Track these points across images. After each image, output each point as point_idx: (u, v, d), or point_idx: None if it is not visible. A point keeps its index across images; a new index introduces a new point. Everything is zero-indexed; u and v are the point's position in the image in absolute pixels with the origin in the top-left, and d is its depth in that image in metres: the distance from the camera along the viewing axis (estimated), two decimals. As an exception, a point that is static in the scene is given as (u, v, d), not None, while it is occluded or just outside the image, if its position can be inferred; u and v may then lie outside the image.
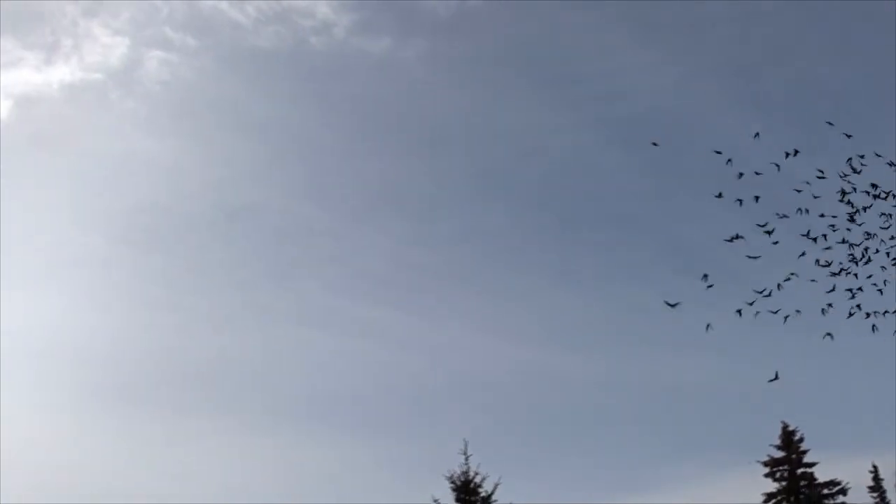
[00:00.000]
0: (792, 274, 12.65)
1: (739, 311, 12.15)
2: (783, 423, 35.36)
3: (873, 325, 11.86)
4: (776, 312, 12.83)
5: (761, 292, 12.02)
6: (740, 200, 12.18)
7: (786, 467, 35.09)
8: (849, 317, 11.75)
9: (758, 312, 12.78)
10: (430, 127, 64.89)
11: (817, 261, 12.15)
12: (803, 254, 11.96)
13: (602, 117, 63.72)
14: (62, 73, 55.77)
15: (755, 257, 12.38)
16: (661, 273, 62.88)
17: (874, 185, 11.62)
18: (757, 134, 12.27)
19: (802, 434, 35.18)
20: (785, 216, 12.10)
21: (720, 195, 12.33)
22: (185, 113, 62.41)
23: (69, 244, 58.93)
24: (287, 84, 62.16)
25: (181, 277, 61.42)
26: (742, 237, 12.17)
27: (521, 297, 63.00)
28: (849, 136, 12.26)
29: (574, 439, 53.34)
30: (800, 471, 34.96)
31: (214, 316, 60.09)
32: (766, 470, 35.22)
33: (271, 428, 56.71)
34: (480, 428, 50.16)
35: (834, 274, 11.89)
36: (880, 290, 11.76)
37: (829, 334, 12.46)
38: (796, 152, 11.87)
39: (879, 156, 12.06)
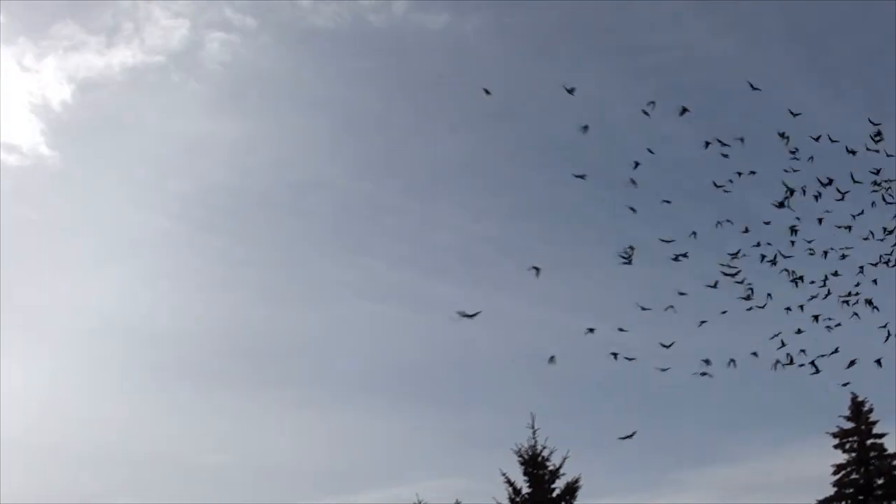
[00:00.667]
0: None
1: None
2: (852, 393, 35.08)
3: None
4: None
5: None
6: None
7: (855, 438, 34.86)
8: None
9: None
10: (493, 100, 64.31)
11: None
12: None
13: (667, 87, 62.77)
14: (124, 56, 56.86)
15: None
16: (725, 243, 61.77)
17: None
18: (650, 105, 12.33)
19: (872, 405, 34.90)
20: None
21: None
22: (247, 93, 63.17)
23: (135, 225, 60.37)
24: (348, 62, 62.43)
25: (246, 255, 62.57)
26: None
27: (589, 270, 62.70)
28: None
29: (640, 412, 53.28)
30: (869, 441, 34.70)
31: (280, 292, 61.15)
32: (836, 441, 35.03)
33: (337, 402, 57.81)
34: (547, 402, 50.42)
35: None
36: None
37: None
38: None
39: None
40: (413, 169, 67.32)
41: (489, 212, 64.65)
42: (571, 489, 25.05)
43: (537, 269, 12.84)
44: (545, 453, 25.28)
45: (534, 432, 25.39)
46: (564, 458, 25.26)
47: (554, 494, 24.97)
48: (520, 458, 25.27)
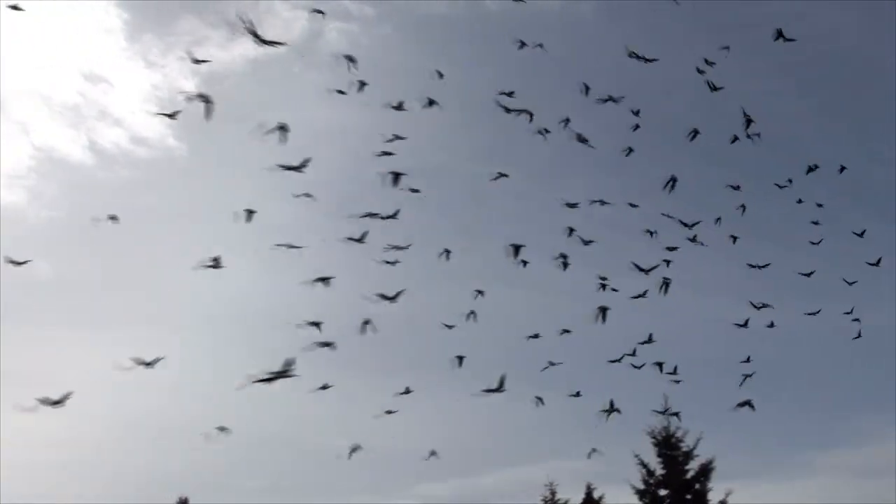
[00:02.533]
0: None
1: None
2: None
3: None
4: None
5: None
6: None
7: None
8: None
9: None
10: (612, 81, 63.83)
11: None
12: None
13: (789, 61, 60.92)
14: (245, 48, 58.40)
15: None
16: (856, 218, 59.86)
17: None
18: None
19: None
20: None
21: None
22: (369, 82, 64.00)
23: (261, 213, 61.98)
24: (466, 48, 62.71)
25: (366, 242, 63.43)
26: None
27: (715, 249, 61.38)
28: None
29: (775, 390, 52.05)
30: None
31: (407, 279, 61.81)
32: None
33: (464, 387, 58.19)
34: (674, 383, 49.73)
35: None
36: None
37: None
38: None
39: None
40: (533, 152, 67.17)
41: (611, 192, 63.82)
42: (706, 470, 24.81)
43: (516, 248, 12.77)
44: (678, 434, 25.12)
45: (667, 412, 25.22)
46: (698, 440, 25.06)
47: (688, 476, 24.78)
48: (653, 440, 25.16)
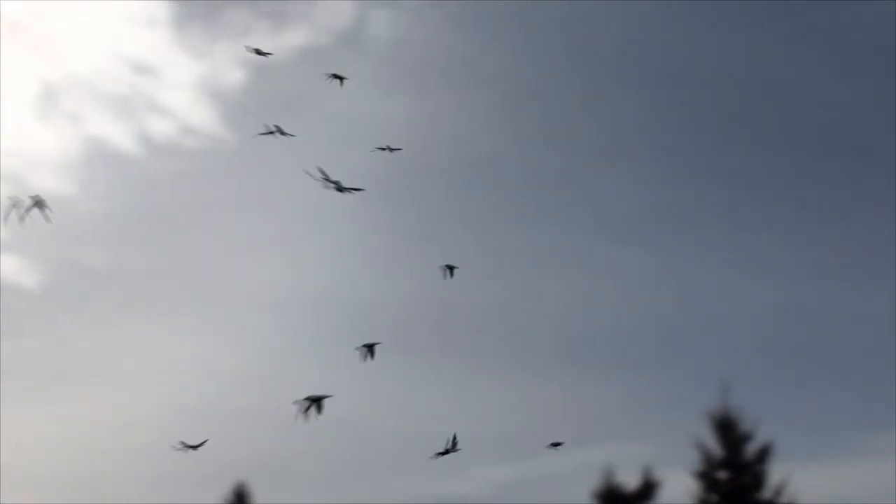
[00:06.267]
0: None
1: None
2: None
3: None
4: None
5: None
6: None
7: None
8: None
9: None
10: (661, 68, 63.60)
11: None
12: None
13: (835, 48, 60.02)
14: (292, 38, 58.78)
15: None
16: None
17: None
18: None
19: None
20: None
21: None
22: (417, 70, 64.24)
23: (312, 202, 62.25)
24: (514, 35, 62.54)
25: (425, 229, 63.94)
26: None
27: (767, 232, 60.92)
28: None
29: (831, 374, 51.40)
30: None
31: (461, 263, 62.16)
32: None
33: (520, 370, 58.43)
34: (735, 365, 49.40)
35: None
36: None
37: None
38: None
39: None
40: (584, 139, 66.91)
41: (664, 178, 63.79)
42: (765, 452, 24.71)
43: (450, 268, 12.54)
44: (737, 416, 25.01)
45: (724, 396, 25.15)
46: (757, 422, 24.93)
47: (747, 458, 24.69)
48: (711, 422, 25.09)
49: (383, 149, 13.21)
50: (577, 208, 66.26)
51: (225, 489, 34.08)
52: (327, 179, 12.27)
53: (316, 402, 12.67)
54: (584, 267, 63.28)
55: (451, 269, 12.93)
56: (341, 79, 12.93)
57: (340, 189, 12.68)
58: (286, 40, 60.50)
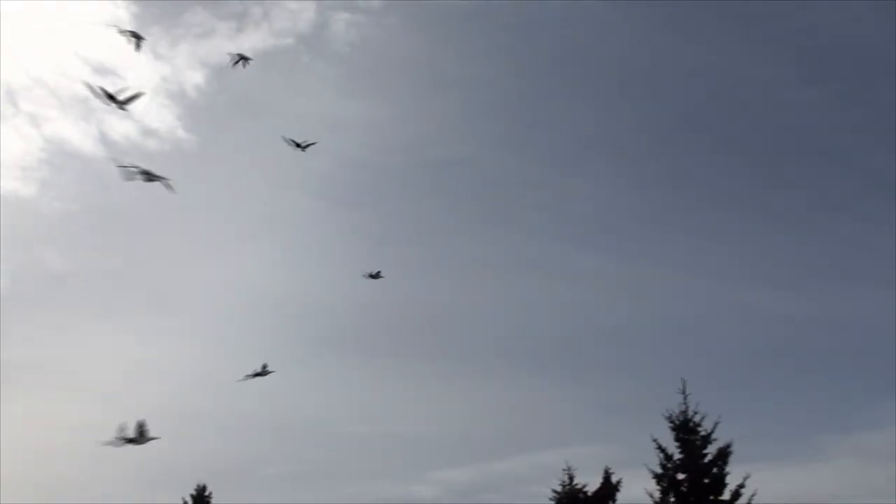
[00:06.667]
0: None
1: None
2: None
3: None
4: None
5: None
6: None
7: None
8: None
9: None
10: (622, 72, 64.30)
11: None
12: None
13: (796, 51, 60.99)
14: (254, 40, 58.84)
15: None
16: (865, 207, 60.32)
17: None
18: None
19: None
20: None
21: None
22: (377, 73, 64.55)
23: (272, 203, 62.62)
24: (476, 39, 62.98)
25: (385, 231, 64.24)
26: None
27: (728, 236, 61.85)
28: None
29: (787, 377, 52.26)
30: None
31: (421, 267, 62.55)
32: None
33: (479, 373, 58.72)
34: (693, 368, 49.94)
35: None
36: None
37: None
38: None
39: None
40: (547, 142, 67.39)
41: (627, 182, 64.35)
42: (724, 454, 24.87)
43: (374, 275, 12.70)
44: (696, 419, 25.16)
45: (685, 398, 25.31)
46: (716, 424, 25.09)
47: (706, 460, 24.84)
48: (671, 424, 25.21)
49: (373, 275, 13.16)
50: (538, 212, 66.50)
51: (185, 491, 33.92)
52: (293, 142, 12.76)
53: (259, 375, 12.80)
54: (546, 270, 63.58)
55: (374, 275, 12.91)
56: (245, 59, 12.79)
57: (299, 146, 13.03)
58: (247, 42, 60.06)
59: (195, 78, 61.19)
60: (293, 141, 13.20)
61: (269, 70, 60.28)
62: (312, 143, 13.47)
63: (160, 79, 61.56)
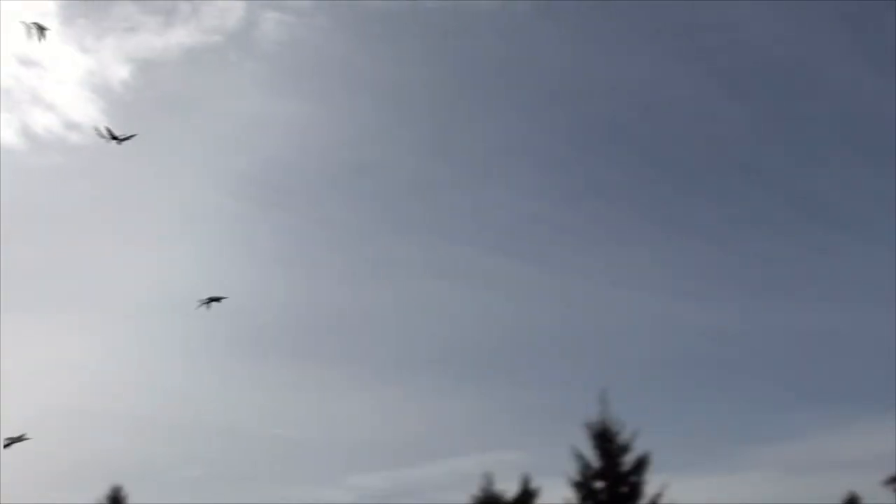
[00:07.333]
0: None
1: None
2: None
3: None
4: None
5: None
6: None
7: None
8: None
9: None
10: (547, 81, 64.64)
11: None
12: None
13: (720, 67, 62.20)
14: (181, 36, 57.53)
15: None
16: (786, 221, 61.70)
17: None
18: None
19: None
20: None
21: None
22: (305, 73, 63.78)
23: (196, 202, 61.33)
24: (405, 42, 62.67)
25: (305, 233, 63.48)
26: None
27: (650, 247, 62.55)
28: None
29: (706, 388, 52.98)
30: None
31: (340, 269, 61.87)
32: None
33: (398, 378, 58.21)
34: (614, 378, 50.15)
35: None
36: None
37: None
38: None
39: None
40: (467, 149, 67.39)
41: (546, 191, 64.76)
42: (642, 463, 24.93)
43: (210, 301, 12.43)
44: (615, 428, 25.15)
45: (603, 407, 25.28)
46: (635, 433, 25.14)
47: (624, 469, 24.86)
48: (590, 433, 25.16)
49: (211, 301, 12.53)
50: (459, 217, 66.44)
51: (100, 492, 32.78)
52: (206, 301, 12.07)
53: (214, 300, 12.28)
54: (466, 277, 63.46)
55: (211, 301, 12.37)
56: (42, 29, 11.85)
57: (116, 138, 12.35)
58: (175, 38, 58.79)
59: (121, 72, 59.53)
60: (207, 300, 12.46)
61: (196, 67, 59.09)
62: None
63: (85, 72, 59.83)
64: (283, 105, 62.48)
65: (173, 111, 60.46)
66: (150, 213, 60.58)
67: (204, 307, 12.61)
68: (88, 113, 59.93)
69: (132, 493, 32.79)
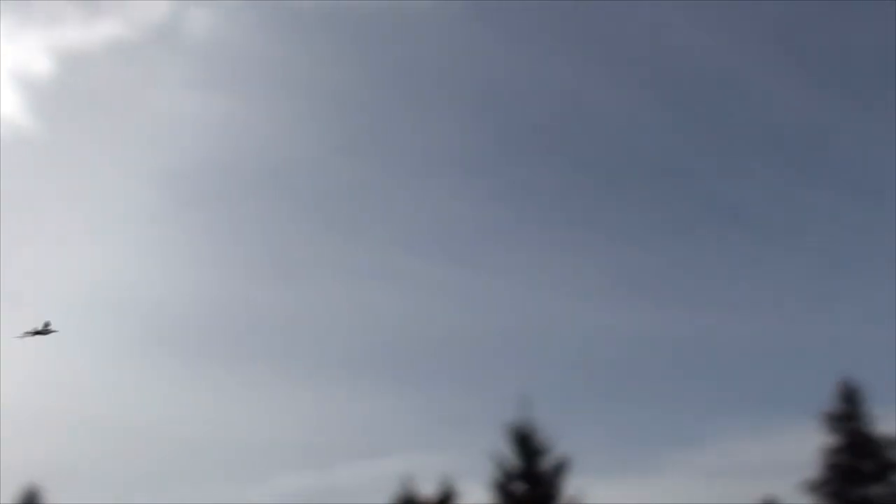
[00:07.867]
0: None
1: None
2: (841, 377, 34.91)
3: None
4: None
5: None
6: None
7: (844, 423, 34.71)
8: None
9: None
10: (475, 85, 64.85)
11: None
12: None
13: (648, 76, 63.17)
14: (105, 29, 56.24)
15: None
16: (708, 229, 62.86)
17: None
18: None
19: (861, 388, 34.70)
20: None
21: None
22: (233, 71, 63.03)
23: (119, 198, 59.99)
24: (330, 43, 62.26)
25: (230, 231, 62.57)
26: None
27: (575, 252, 62.98)
28: None
29: (625, 393, 53.49)
30: (857, 426, 34.57)
31: (264, 269, 61.13)
32: (824, 425, 34.87)
33: (318, 379, 57.64)
34: (536, 381, 50.42)
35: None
36: None
37: None
38: None
39: None
40: (393, 151, 67.19)
41: (470, 194, 64.90)
42: (561, 466, 25.02)
43: (36, 333, 12.33)
44: (535, 431, 25.22)
45: (525, 409, 25.32)
46: (555, 436, 25.25)
47: (543, 470, 24.90)
48: (510, 435, 25.18)
49: (37, 333, 12.12)
50: (384, 220, 66.17)
51: (16, 491, 31.71)
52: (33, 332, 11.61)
53: (39, 333, 11.82)
54: (388, 278, 63.16)
55: (37, 334, 12.00)
56: None
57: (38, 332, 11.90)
58: (99, 31, 57.34)
59: (44, 65, 57.91)
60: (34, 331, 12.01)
61: (121, 61, 57.82)
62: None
63: (8, 64, 58.19)
64: (210, 102, 61.60)
65: (98, 106, 59.10)
66: (74, 209, 59.13)
67: (28, 337, 12.16)
68: (9, 105, 58.20)
69: (49, 494, 31.91)
